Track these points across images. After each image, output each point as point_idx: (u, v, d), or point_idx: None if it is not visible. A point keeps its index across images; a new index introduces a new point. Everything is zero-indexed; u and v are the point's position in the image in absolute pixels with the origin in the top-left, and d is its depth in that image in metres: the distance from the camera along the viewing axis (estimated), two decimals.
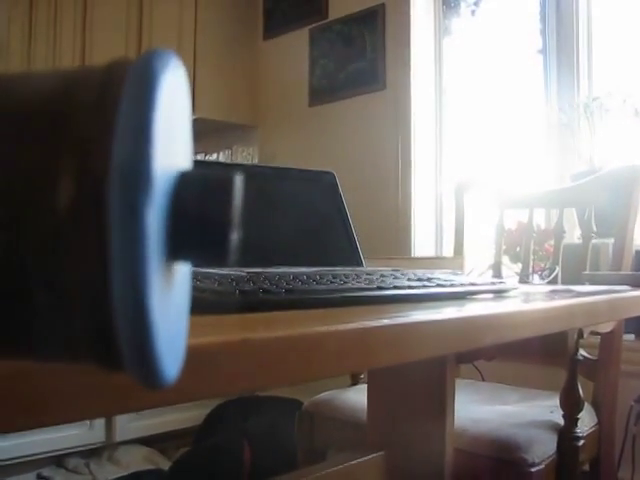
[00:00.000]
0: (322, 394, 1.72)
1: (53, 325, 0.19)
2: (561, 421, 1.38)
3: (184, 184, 0.22)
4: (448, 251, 2.67)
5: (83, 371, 0.32)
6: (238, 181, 0.22)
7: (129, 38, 3.41)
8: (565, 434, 1.37)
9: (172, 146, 0.21)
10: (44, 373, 0.31)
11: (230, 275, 0.66)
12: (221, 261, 0.22)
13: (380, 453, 1.31)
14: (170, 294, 0.21)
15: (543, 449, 1.32)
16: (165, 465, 2.63)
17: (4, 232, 0.19)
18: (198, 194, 0.22)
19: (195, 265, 0.23)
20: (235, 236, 0.21)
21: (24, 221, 0.19)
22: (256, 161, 3.31)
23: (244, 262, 0.82)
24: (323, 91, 3.07)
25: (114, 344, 0.19)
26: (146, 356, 0.19)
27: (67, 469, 2.59)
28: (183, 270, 0.24)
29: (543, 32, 2.60)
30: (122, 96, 0.19)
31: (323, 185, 1.14)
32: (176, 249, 0.21)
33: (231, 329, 0.45)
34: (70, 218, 0.19)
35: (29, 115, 0.20)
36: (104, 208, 0.18)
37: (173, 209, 0.21)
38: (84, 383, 0.32)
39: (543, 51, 2.60)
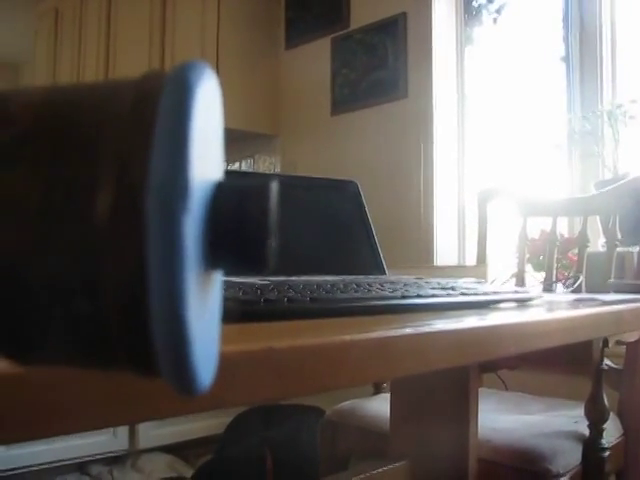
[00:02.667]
0: (345, 403, 1.72)
1: (90, 332, 0.20)
2: (586, 431, 1.37)
3: (220, 193, 0.22)
4: (470, 260, 2.66)
5: (107, 378, 0.32)
6: (274, 189, 0.22)
7: (152, 48, 3.45)
8: (590, 444, 1.35)
9: (207, 156, 0.21)
10: (72, 380, 0.31)
11: (255, 284, 0.66)
12: (259, 269, 0.22)
13: (403, 462, 1.31)
14: (206, 302, 0.22)
15: (568, 460, 1.31)
16: (187, 473, 2.64)
17: (44, 242, 0.19)
18: (235, 203, 0.22)
19: (232, 273, 0.24)
20: (273, 244, 0.22)
21: (63, 231, 0.19)
22: (278, 170, 3.32)
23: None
24: (345, 100, 3.08)
25: (151, 351, 0.19)
26: (183, 363, 0.19)
27: (90, 476, 2.60)
28: (217, 278, 0.25)
29: (566, 39, 2.59)
30: (159, 107, 0.20)
31: (346, 194, 1.14)
32: (214, 258, 0.22)
33: (256, 338, 0.45)
34: (108, 228, 0.19)
35: (67, 126, 0.20)
36: (142, 218, 0.19)
37: (210, 218, 0.21)
38: (108, 390, 0.32)
39: (566, 58, 2.59)
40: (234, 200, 0.22)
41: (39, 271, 0.19)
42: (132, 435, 2.71)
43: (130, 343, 0.19)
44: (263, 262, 0.22)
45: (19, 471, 2.38)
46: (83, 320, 0.19)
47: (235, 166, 3.43)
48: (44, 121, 0.21)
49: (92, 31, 3.90)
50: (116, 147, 0.19)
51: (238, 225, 0.22)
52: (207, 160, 0.22)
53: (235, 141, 3.35)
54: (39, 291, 0.19)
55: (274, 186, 0.22)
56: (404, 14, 2.86)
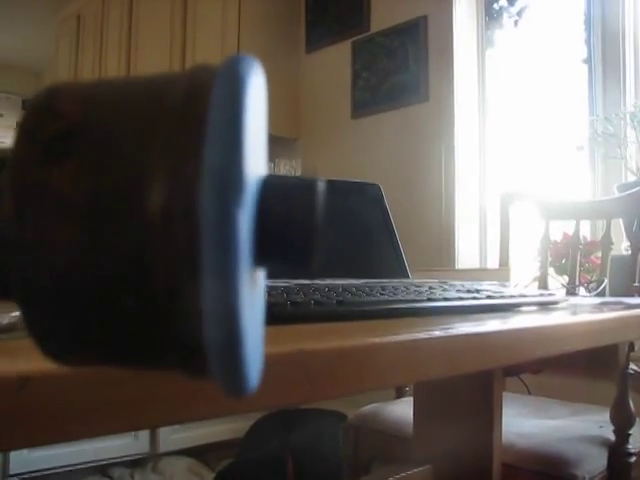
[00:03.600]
0: (367, 407, 1.72)
1: (140, 331, 0.20)
2: (612, 436, 1.36)
3: (268, 190, 0.22)
4: (492, 263, 2.65)
5: (135, 380, 0.32)
6: (321, 187, 0.22)
7: (173, 54, 3.47)
8: (616, 450, 1.34)
9: (255, 151, 0.21)
10: (100, 383, 0.31)
11: (280, 287, 0.66)
12: (304, 268, 0.22)
13: (426, 467, 1.30)
14: (254, 300, 0.21)
15: (593, 465, 1.29)
16: (208, 477, 2.65)
17: (92, 240, 0.19)
18: (282, 200, 0.22)
19: (277, 273, 0.23)
20: (319, 244, 0.21)
21: (112, 228, 0.19)
22: (299, 174, 3.32)
23: (291, 274, 0.82)
24: (365, 103, 3.08)
25: (202, 351, 0.19)
26: (236, 363, 0.19)
27: (112, 478, 2.62)
28: (261, 278, 0.25)
29: (588, 41, 2.57)
30: (211, 100, 0.20)
31: (369, 197, 1.14)
32: (260, 254, 0.21)
33: (285, 340, 0.45)
34: (161, 223, 0.19)
35: (116, 120, 0.20)
36: (197, 212, 0.18)
37: (258, 214, 0.21)
38: (134, 393, 0.32)
39: (588, 60, 2.57)
40: (282, 196, 0.22)
41: (88, 269, 0.19)
42: (153, 438, 2.72)
43: (181, 342, 0.19)
44: (309, 262, 0.22)
45: (41, 473, 2.40)
46: (133, 317, 0.19)
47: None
48: (92, 115, 0.20)
49: (113, 36, 3.93)
50: (169, 140, 0.19)
51: (285, 221, 0.21)
52: (256, 154, 0.21)
53: None
54: (88, 287, 0.19)
55: (321, 185, 0.22)
56: (425, 17, 2.86)
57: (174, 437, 2.75)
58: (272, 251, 0.22)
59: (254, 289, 0.22)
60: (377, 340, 0.46)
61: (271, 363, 0.39)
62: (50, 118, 0.20)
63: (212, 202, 0.18)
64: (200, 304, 0.18)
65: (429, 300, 0.67)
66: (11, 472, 2.32)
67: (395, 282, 0.85)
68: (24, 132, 0.20)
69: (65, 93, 0.21)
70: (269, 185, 0.22)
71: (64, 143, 0.20)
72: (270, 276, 0.26)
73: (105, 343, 0.20)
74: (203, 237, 0.18)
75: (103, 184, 0.19)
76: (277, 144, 3.37)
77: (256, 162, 0.21)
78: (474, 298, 0.74)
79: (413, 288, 0.75)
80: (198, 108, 0.19)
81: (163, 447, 2.74)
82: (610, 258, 1.69)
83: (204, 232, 0.18)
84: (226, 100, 0.20)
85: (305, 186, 0.22)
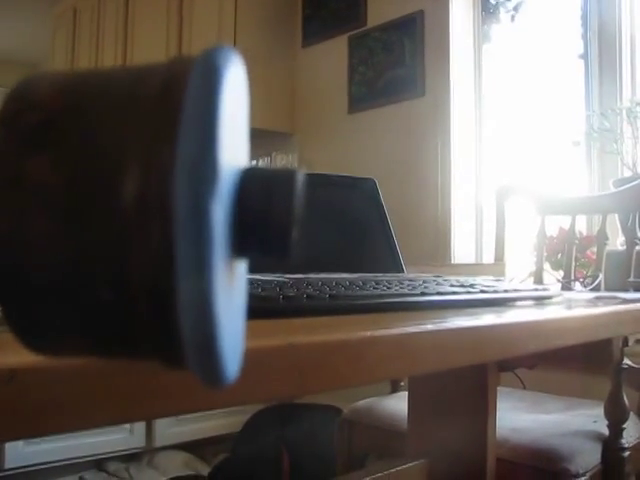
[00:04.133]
0: (362, 401, 1.72)
1: (116, 320, 0.19)
2: (605, 431, 1.36)
3: (247, 180, 0.22)
4: (488, 258, 2.65)
5: (125, 373, 0.32)
6: (300, 178, 0.22)
7: (169, 48, 3.46)
8: (610, 444, 1.34)
9: (234, 141, 0.21)
10: (91, 374, 0.31)
11: (273, 281, 0.66)
12: (282, 258, 0.22)
13: (421, 461, 1.30)
14: (231, 291, 0.21)
15: (587, 460, 1.30)
16: (204, 471, 2.65)
17: (70, 227, 0.19)
18: (261, 190, 0.22)
19: (256, 262, 0.23)
20: (296, 234, 0.21)
21: (89, 215, 0.19)
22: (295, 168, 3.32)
23: (285, 268, 0.82)
24: (362, 98, 3.07)
25: (178, 342, 0.19)
26: (211, 354, 0.19)
27: (108, 473, 2.62)
28: (242, 268, 0.24)
29: (584, 36, 2.57)
30: (187, 90, 0.20)
31: (364, 192, 1.14)
32: (239, 245, 0.21)
33: (276, 334, 0.45)
34: (135, 212, 0.19)
35: (94, 110, 0.20)
36: (171, 202, 0.18)
37: (236, 205, 0.21)
38: (123, 385, 0.32)
39: (584, 55, 2.56)
40: (260, 187, 0.22)
41: (65, 257, 0.19)
42: (149, 433, 2.72)
43: (157, 332, 0.19)
44: (286, 251, 0.22)
45: (37, 467, 2.40)
46: (109, 308, 0.19)
47: (252, 164, 3.43)
48: (71, 105, 0.20)
49: (109, 30, 3.93)
50: (144, 129, 0.19)
51: (264, 212, 0.21)
52: (234, 145, 0.21)
53: (252, 139, 3.34)
54: (65, 278, 0.19)
55: (300, 175, 0.22)
56: (421, 12, 2.86)
57: (170, 431, 2.75)
58: (250, 243, 0.22)
59: (232, 280, 0.22)
60: (368, 334, 0.46)
61: (263, 356, 0.39)
62: (28, 108, 0.20)
63: (185, 193, 0.18)
64: (175, 295, 0.18)
65: (422, 294, 0.67)
66: (6, 466, 2.32)
67: (389, 276, 0.85)
68: (2, 122, 0.20)
69: (44, 83, 0.21)
70: (248, 177, 0.22)
71: (42, 133, 0.20)
72: (252, 269, 0.26)
73: (84, 334, 0.20)
74: (177, 228, 0.18)
75: (80, 174, 0.19)
76: (273, 139, 3.36)
77: (234, 153, 0.21)
78: (468, 292, 0.74)
79: (407, 282, 0.75)
80: (173, 98, 0.19)
81: (159, 441, 2.74)
82: (605, 253, 1.69)
83: (178, 223, 0.18)
84: (202, 90, 0.19)
85: (284, 178, 0.22)
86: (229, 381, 0.20)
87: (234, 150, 0.21)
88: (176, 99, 0.19)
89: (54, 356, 0.22)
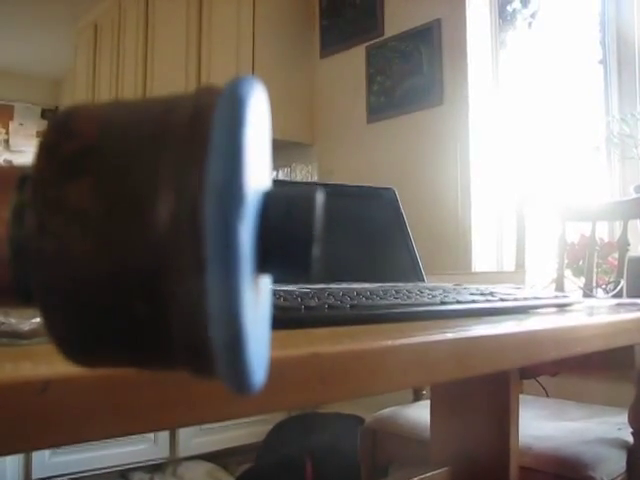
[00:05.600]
0: (385, 410, 1.72)
1: (151, 334, 0.21)
2: (630, 438, 1.35)
3: (270, 201, 0.23)
4: (509, 266, 2.64)
5: (154, 383, 0.33)
6: (320, 198, 0.23)
7: (189, 60, 3.49)
8: (635, 452, 1.33)
9: (257, 165, 0.23)
10: (120, 384, 0.32)
11: (295, 291, 0.67)
12: (303, 275, 0.23)
13: (444, 469, 1.30)
14: (257, 305, 0.23)
15: (612, 467, 1.29)
16: None
17: (107, 249, 0.20)
18: (283, 211, 0.23)
19: (279, 279, 0.25)
20: (317, 251, 0.23)
21: (126, 237, 0.20)
22: (315, 178, 3.33)
23: (307, 279, 0.83)
24: (380, 107, 3.08)
25: (209, 353, 0.20)
26: (240, 361, 0.20)
27: None
28: (266, 283, 0.26)
29: (603, 42, 2.56)
30: (214, 120, 0.21)
31: (384, 201, 1.15)
32: (263, 263, 0.23)
33: (298, 344, 0.46)
34: (169, 234, 0.20)
35: (129, 139, 0.22)
36: (201, 224, 0.20)
37: (260, 225, 0.23)
38: (152, 396, 0.33)
39: (603, 61, 2.56)
40: (282, 208, 0.23)
41: (103, 277, 0.21)
42: (173, 443, 2.73)
43: (189, 344, 0.21)
44: (307, 268, 0.23)
45: (63, 478, 2.42)
46: (144, 322, 0.21)
47: (272, 175, 3.45)
48: (107, 135, 0.22)
49: (130, 45, 3.97)
50: (175, 157, 0.21)
51: (285, 232, 0.23)
52: (258, 168, 0.23)
53: (272, 150, 3.36)
54: (102, 294, 0.21)
55: (320, 196, 0.23)
56: (438, 21, 2.86)
57: (194, 442, 2.76)
58: (273, 260, 0.23)
59: (258, 294, 0.24)
60: (389, 343, 0.47)
61: (286, 365, 0.41)
62: (68, 137, 0.22)
63: (215, 215, 0.20)
64: (205, 308, 0.20)
65: (442, 303, 0.68)
66: (33, 477, 2.34)
67: (409, 286, 0.85)
68: (44, 150, 0.22)
69: (82, 114, 0.23)
70: (271, 198, 0.24)
71: (81, 161, 0.22)
72: (274, 279, 0.27)
73: (120, 345, 0.22)
74: (207, 248, 0.20)
75: (116, 199, 0.21)
76: (293, 149, 3.38)
77: (259, 176, 0.23)
78: (487, 301, 0.74)
79: (427, 292, 0.76)
80: (201, 128, 0.21)
81: (183, 452, 2.75)
82: (627, 259, 1.68)
83: (208, 243, 0.20)
84: (227, 120, 0.21)
85: (304, 199, 0.23)
86: (257, 389, 0.22)
87: (258, 173, 0.23)
88: (204, 129, 0.21)
89: (92, 367, 0.24)
